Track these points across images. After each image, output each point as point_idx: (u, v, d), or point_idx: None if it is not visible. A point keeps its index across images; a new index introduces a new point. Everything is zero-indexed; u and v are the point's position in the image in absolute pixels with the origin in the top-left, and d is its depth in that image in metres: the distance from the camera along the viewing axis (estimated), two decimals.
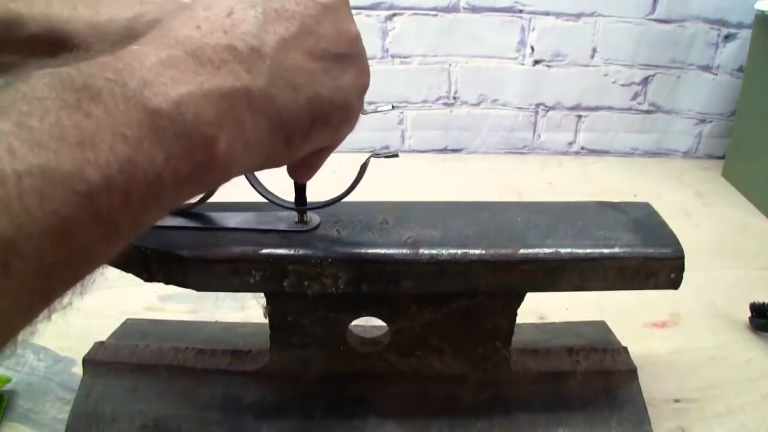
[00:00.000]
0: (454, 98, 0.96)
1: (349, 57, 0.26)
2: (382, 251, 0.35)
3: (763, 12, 0.76)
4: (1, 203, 0.15)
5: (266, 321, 0.39)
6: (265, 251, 0.35)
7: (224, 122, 0.21)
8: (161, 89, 0.19)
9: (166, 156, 0.19)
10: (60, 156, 0.16)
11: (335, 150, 0.29)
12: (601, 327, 0.49)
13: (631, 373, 0.42)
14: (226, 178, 0.22)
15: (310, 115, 0.24)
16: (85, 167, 0.16)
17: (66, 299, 0.19)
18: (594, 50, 0.92)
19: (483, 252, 0.35)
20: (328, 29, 0.25)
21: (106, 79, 0.18)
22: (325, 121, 0.25)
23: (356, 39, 0.26)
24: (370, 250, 0.35)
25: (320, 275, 0.35)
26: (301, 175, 0.31)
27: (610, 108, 0.97)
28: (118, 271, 0.35)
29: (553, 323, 0.52)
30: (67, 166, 0.16)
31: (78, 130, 0.17)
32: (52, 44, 0.29)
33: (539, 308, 0.56)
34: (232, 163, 0.22)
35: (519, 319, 0.39)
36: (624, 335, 0.47)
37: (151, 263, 0.35)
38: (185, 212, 0.38)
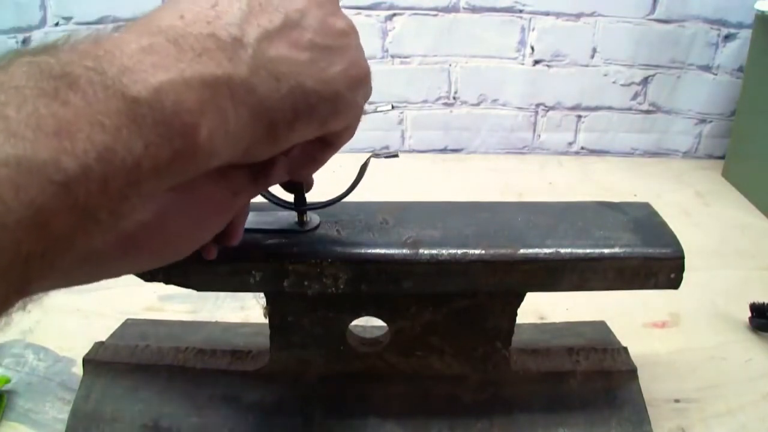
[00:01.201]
0: (454, 98, 0.96)
1: (337, 49, 0.26)
2: (382, 251, 0.35)
3: (763, 12, 0.76)
4: None
5: (266, 321, 0.39)
6: (265, 251, 0.35)
7: (205, 110, 0.21)
8: (141, 76, 0.19)
9: (145, 144, 0.19)
10: (36, 146, 0.16)
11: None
12: (601, 327, 0.49)
13: (631, 373, 0.42)
14: (207, 168, 0.22)
15: (294, 106, 0.24)
16: (61, 156, 0.16)
17: (42, 291, 0.19)
18: (594, 50, 0.92)
19: (483, 252, 0.35)
20: (314, 22, 0.25)
21: (85, 67, 0.18)
22: (310, 113, 0.25)
23: (344, 32, 0.26)
24: (370, 250, 0.35)
25: (320, 275, 0.35)
26: (300, 171, 0.31)
27: (610, 108, 0.97)
28: None
29: (553, 323, 0.51)
30: (44, 156, 0.16)
31: (55, 119, 0.17)
32: None
33: (539, 308, 0.56)
34: (213, 151, 0.21)
35: (519, 319, 0.39)
36: (624, 335, 0.47)
37: None
38: None
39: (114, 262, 0.27)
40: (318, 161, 0.30)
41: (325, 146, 0.29)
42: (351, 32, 0.27)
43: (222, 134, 0.22)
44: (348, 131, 0.29)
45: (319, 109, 0.25)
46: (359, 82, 0.27)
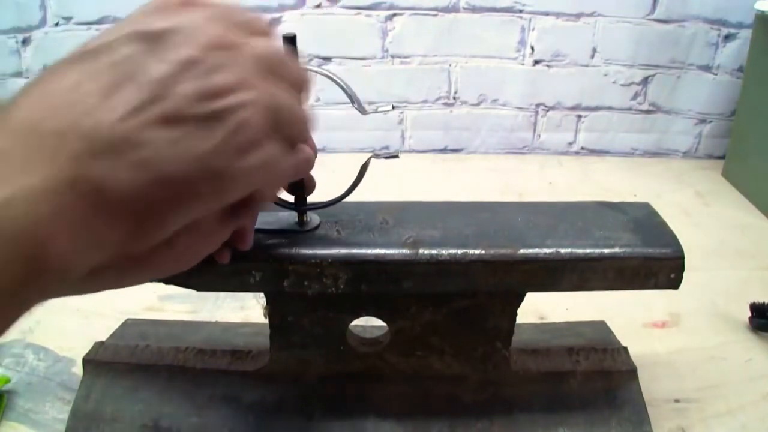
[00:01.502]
0: (454, 98, 0.96)
1: (218, 113, 0.22)
2: (382, 251, 0.35)
3: (763, 12, 0.76)
4: None
5: (266, 321, 0.39)
6: (265, 251, 0.35)
7: (56, 222, 0.19)
8: None
9: None
10: None
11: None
12: (601, 327, 0.49)
13: (631, 373, 0.42)
14: (72, 278, 0.21)
15: (163, 196, 0.21)
16: None
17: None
18: (594, 50, 0.92)
19: (483, 252, 0.35)
20: (188, 88, 0.22)
21: None
22: (189, 198, 0.22)
23: (228, 89, 0.22)
24: (370, 250, 0.35)
25: (320, 275, 0.35)
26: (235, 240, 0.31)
27: (610, 108, 0.97)
28: None
29: (553, 323, 0.51)
30: None
31: None
32: None
33: (539, 308, 0.56)
34: (73, 263, 0.20)
35: (519, 319, 0.39)
36: (624, 335, 0.47)
37: None
38: None
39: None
40: (250, 215, 0.30)
41: (245, 204, 0.26)
42: (242, 83, 0.23)
43: (79, 244, 0.20)
44: (266, 191, 0.26)
45: (198, 191, 0.22)
46: (251, 146, 0.23)
